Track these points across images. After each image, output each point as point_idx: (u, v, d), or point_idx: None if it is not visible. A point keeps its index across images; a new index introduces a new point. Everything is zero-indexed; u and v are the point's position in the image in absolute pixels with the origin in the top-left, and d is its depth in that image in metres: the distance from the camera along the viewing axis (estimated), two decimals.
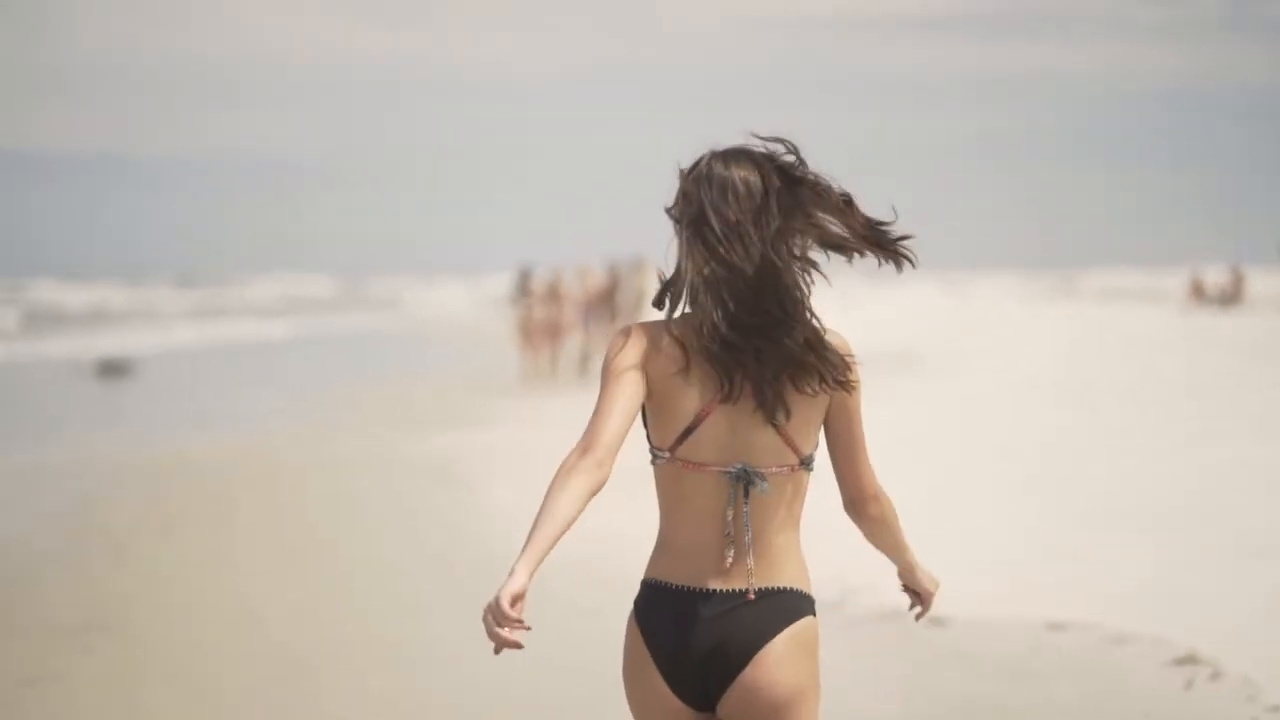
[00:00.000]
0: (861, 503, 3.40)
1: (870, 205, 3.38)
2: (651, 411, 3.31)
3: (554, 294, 26.45)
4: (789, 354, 3.25)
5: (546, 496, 3.19)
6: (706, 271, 3.25)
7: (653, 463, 3.33)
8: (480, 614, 3.08)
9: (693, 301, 3.29)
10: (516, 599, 3.11)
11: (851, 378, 3.32)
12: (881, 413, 17.89)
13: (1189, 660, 7.04)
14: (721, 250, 3.24)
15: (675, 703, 3.29)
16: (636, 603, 3.36)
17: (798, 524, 3.35)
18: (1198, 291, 50.77)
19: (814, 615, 3.34)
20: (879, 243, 3.35)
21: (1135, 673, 6.97)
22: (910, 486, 12.42)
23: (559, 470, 3.23)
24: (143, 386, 26.48)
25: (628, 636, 3.36)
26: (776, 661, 3.25)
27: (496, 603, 3.10)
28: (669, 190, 3.38)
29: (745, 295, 3.24)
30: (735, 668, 3.25)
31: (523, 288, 26.63)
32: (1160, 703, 6.51)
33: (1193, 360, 25.52)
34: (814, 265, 3.31)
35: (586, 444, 3.23)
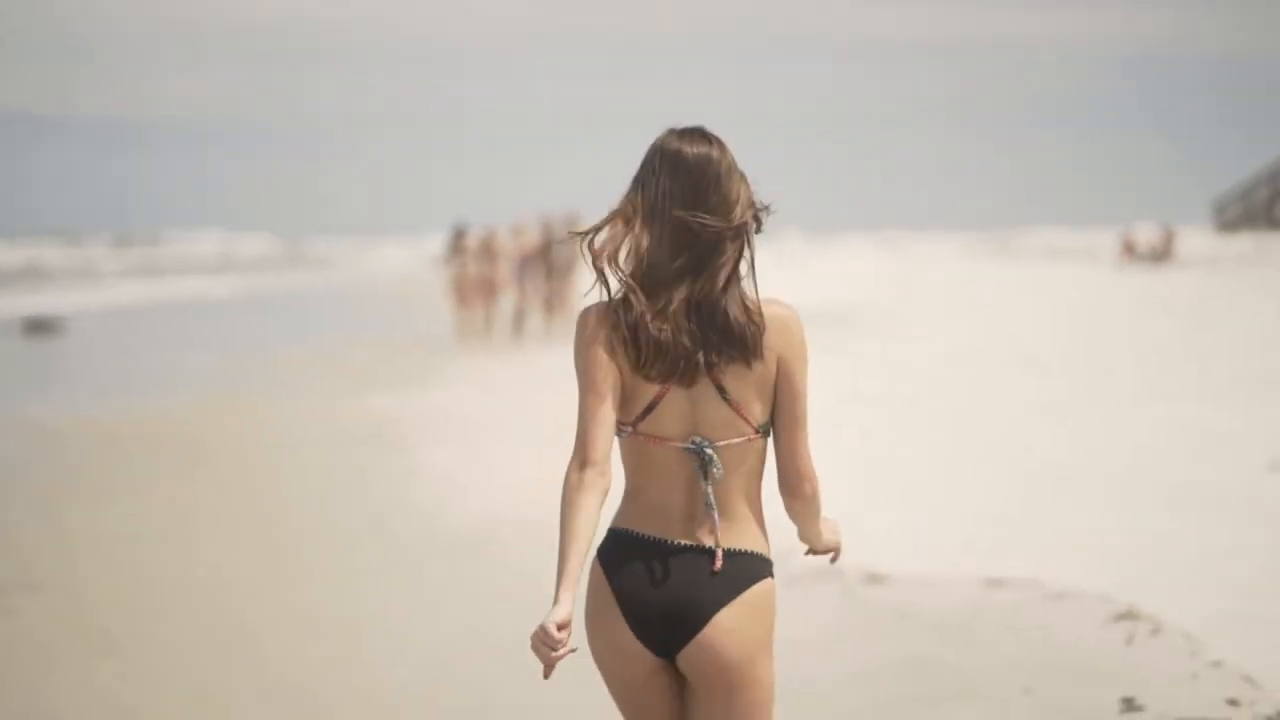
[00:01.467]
0: (796, 481, 3.47)
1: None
2: (621, 386, 3.42)
3: (488, 251, 26.29)
4: (713, 334, 3.37)
5: (562, 518, 3.39)
6: (648, 244, 3.38)
7: (617, 435, 3.44)
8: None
9: (641, 278, 3.41)
10: (562, 626, 3.33)
11: (781, 345, 3.41)
12: (821, 371, 17.78)
13: (1129, 616, 7.04)
14: (659, 225, 3.37)
15: (638, 647, 3.42)
16: (602, 549, 3.47)
17: (759, 488, 3.48)
18: (1129, 249, 51.20)
19: (771, 577, 3.47)
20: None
21: (1075, 629, 6.97)
22: (849, 445, 12.40)
23: (565, 488, 3.39)
24: (72, 346, 26.10)
25: (592, 581, 3.47)
26: (731, 625, 3.39)
27: (543, 629, 3.32)
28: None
29: (677, 271, 3.38)
30: (694, 627, 3.39)
31: (456, 246, 26.45)
32: (1101, 658, 6.50)
33: (1128, 320, 25.69)
34: (739, 255, 3.41)
35: (583, 457, 3.39)
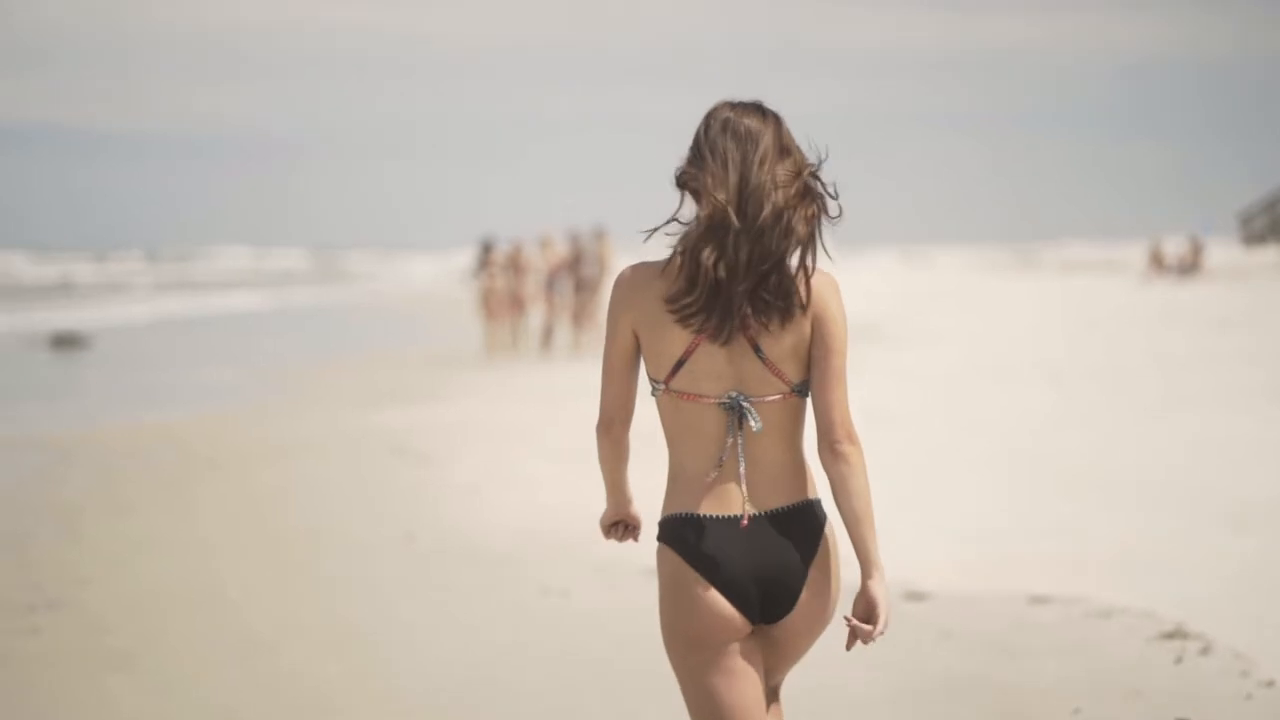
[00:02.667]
0: (830, 434, 3.47)
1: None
2: (643, 348, 3.55)
3: (515, 265, 26.22)
4: (754, 291, 3.45)
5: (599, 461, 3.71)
6: (701, 211, 3.48)
7: (652, 394, 3.58)
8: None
9: (687, 239, 3.51)
10: (609, 530, 3.75)
11: (818, 307, 3.50)
12: (854, 386, 17.54)
13: (1178, 634, 6.83)
14: (714, 187, 3.46)
15: (738, 617, 3.49)
16: (666, 537, 3.55)
17: (800, 441, 3.57)
18: (1157, 262, 50.86)
19: (825, 516, 3.58)
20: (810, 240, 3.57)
21: (1122, 647, 6.76)
22: (884, 459, 12.19)
23: (596, 439, 3.69)
24: (98, 360, 26.06)
25: (666, 567, 3.53)
26: (821, 585, 3.53)
27: (601, 523, 3.78)
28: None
29: (732, 231, 3.45)
30: (794, 592, 3.51)
31: (484, 259, 26.39)
32: (1150, 678, 6.29)
33: (1157, 331, 25.45)
34: (811, 213, 3.51)
35: (600, 418, 3.64)
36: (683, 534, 3.49)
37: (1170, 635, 6.84)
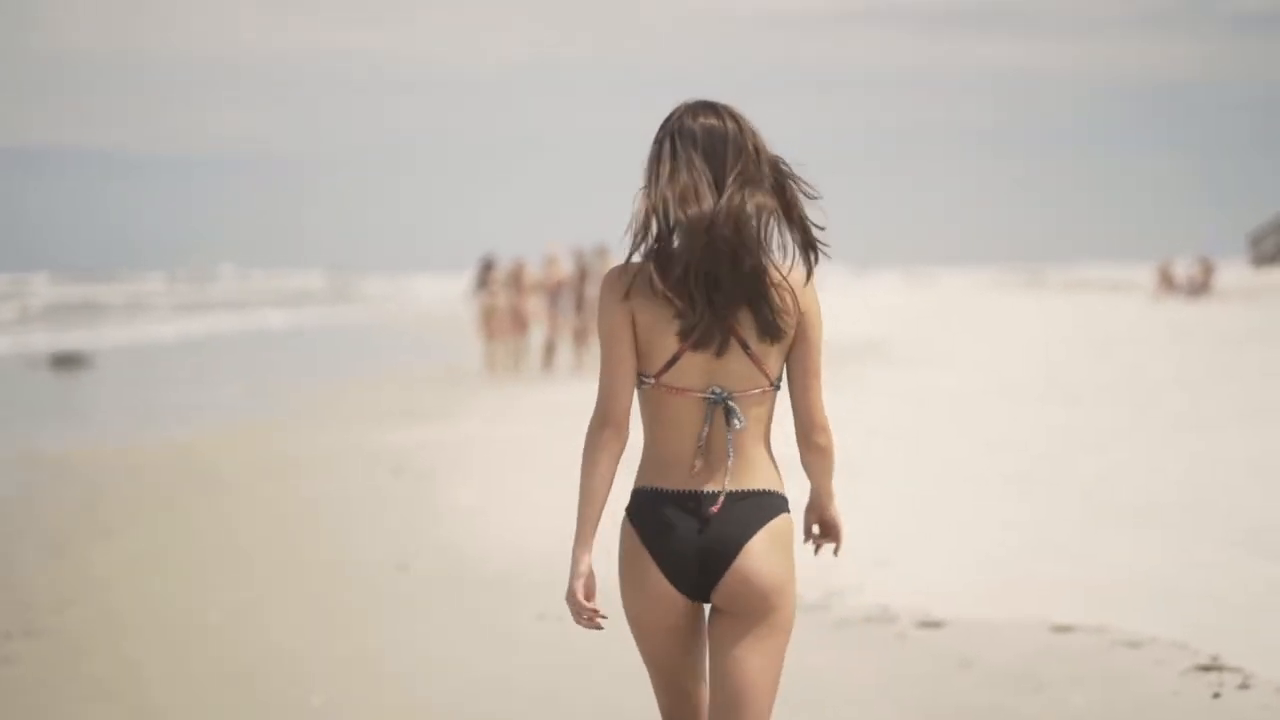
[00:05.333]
0: (810, 429, 3.68)
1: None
2: (638, 345, 3.59)
3: (515, 282, 25.91)
4: (735, 295, 3.52)
5: (581, 474, 3.64)
6: (668, 212, 3.52)
7: (638, 386, 3.62)
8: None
9: (661, 241, 3.55)
10: (590, 594, 3.64)
11: (798, 308, 3.57)
12: (862, 407, 17.37)
13: (1214, 667, 6.46)
14: (681, 190, 3.50)
15: (674, 594, 3.59)
16: (630, 509, 3.64)
17: (769, 434, 3.67)
18: (1166, 281, 50.52)
19: (788, 512, 3.66)
20: (804, 230, 3.60)
21: (1154, 680, 6.38)
22: (898, 481, 11.87)
23: (586, 445, 3.63)
24: (98, 380, 25.76)
25: (624, 540, 3.64)
26: (760, 554, 3.57)
27: (571, 596, 3.63)
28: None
29: (700, 236, 3.49)
30: (726, 560, 3.57)
31: (484, 277, 26.09)
32: (1186, 714, 5.92)
33: (1170, 351, 25.12)
34: (772, 210, 3.55)
35: (603, 415, 3.60)
36: (644, 508, 3.59)
37: (1206, 668, 6.46)
